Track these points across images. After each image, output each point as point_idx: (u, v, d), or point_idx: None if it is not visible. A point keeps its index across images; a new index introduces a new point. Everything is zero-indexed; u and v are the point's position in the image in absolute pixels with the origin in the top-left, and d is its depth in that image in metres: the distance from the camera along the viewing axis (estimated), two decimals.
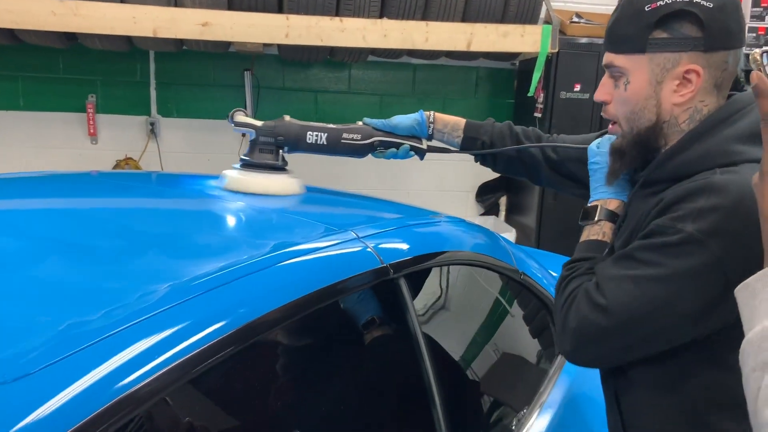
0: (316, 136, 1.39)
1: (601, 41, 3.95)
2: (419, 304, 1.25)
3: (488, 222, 4.30)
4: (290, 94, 3.98)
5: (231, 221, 1.21)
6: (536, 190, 3.82)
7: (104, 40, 3.28)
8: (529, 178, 1.44)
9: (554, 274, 2.33)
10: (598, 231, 1.11)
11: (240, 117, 1.42)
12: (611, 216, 1.11)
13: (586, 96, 3.67)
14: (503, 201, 4.35)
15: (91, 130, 3.74)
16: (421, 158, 1.47)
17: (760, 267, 0.72)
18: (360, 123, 1.44)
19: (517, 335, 1.58)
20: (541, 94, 3.74)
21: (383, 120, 1.42)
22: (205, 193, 1.39)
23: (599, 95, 1.07)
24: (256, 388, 0.98)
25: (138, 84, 3.79)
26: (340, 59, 3.67)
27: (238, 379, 0.93)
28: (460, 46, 3.46)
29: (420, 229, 1.31)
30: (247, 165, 1.41)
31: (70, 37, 3.33)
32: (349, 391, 1.13)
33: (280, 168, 1.42)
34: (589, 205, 1.16)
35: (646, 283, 0.92)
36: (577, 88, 3.67)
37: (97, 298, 0.79)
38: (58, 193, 1.38)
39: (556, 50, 3.55)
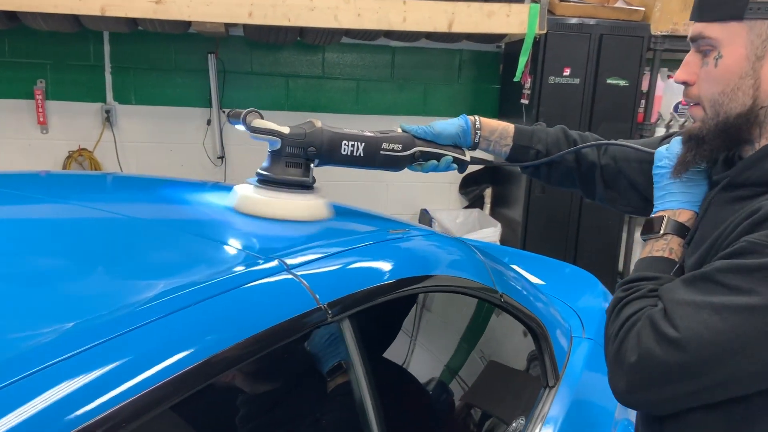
0: (353, 146, 1.15)
1: (592, 21, 3.67)
2: (374, 343, 0.99)
3: (472, 215, 4.06)
4: (259, 79, 3.69)
5: (119, 242, 0.93)
6: (523, 182, 3.58)
7: (49, 19, 2.98)
8: (584, 191, 1.25)
9: (540, 282, 2.10)
10: (663, 246, 0.92)
11: (260, 122, 1.12)
12: (681, 229, 0.93)
13: (576, 81, 3.42)
14: (488, 193, 4.11)
15: (41, 119, 3.43)
16: (462, 172, 1.27)
17: None
18: (399, 130, 1.22)
19: (499, 371, 1.34)
20: (529, 79, 3.48)
21: (424, 127, 1.21)
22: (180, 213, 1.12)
23: (681, 75, 0.88)
24: None
25: (92, 68, 3.49)
26: (312, 41, 3.39)
27: None
28: (441, 27, 3.20)
29: (375, 250, 1.05)
30: (267, 181, 1.12)
31: (11, 17, 3.01)
32: None
33: (309, 186, 1.15)
34: (653, 215, 0.97)
35: (733, 314, 0.74)
36: (567, 72, 3.41)
37: None
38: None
39: (545, 31, 3.30)
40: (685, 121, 3.54)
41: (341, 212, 1.34)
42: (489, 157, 1.36)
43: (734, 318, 0.74)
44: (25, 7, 2.81)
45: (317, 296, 0.84)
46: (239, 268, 0.82)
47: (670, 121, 3.54)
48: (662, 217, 0.94)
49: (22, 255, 0.87)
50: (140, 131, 3.60)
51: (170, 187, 1.53)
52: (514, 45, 3.56)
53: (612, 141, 1.17)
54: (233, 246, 0.91)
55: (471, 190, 4.11)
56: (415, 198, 4.06)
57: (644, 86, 3.46)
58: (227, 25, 3.23)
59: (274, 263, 0.84)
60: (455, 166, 1.24)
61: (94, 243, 0.94)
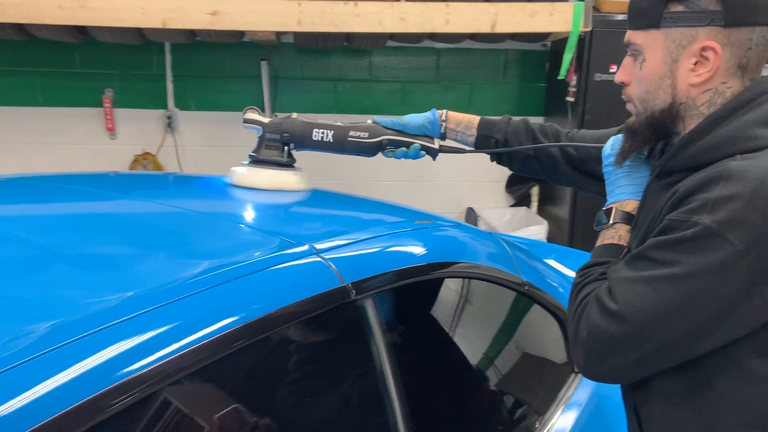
0: (322, 133, 1.38)
1: None
2: (400, 326, 1.08)
3: (519, 213, 4.08)
4: (309, 84, 3.84)
5: (163, 230, 1.06)
6: None
7: (115, 32, 3.21)
8: (547, 177, 1.36)
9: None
10: (613, 234, 1.03)
11: (249, 114, 1.42)
12: (628, 218, 1.03)
13: None
14: (535, 191, 4.12)
15: (109, 125, 3.69)
16: (434, 158, 1.42)
17: None
18: (370, 121, 1.40)
19: (524, 358, 1.40)
20: (574, 77, 3.49)
21: (393, 118, 1.38)
22: (200, 191, 1.33)
23: (619, 76, 0.99)
24: None
25: (154, 77, 3.72)
26: (358, 46, 3.51)
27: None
28: (484, 28, 3.25)
29: (400, 238, 1.14)
30: (254, 161, 1.42)
31: (81, 31, 3.26)
32: None
33: (286, 164, 1.41)
34: (604, 208, 1.07)
35: (661, 284, 0.83)
36: (613, 69, 3.40)
37: None
38: (57, 196, 1.33)
39: (590, 29, 3.30)
40: None
41: (374, 205, 1.44)
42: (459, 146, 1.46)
43: (662, 287, 0.82)
44: (94, 21, 3.04)
45: (342, 276, 0.94)
46: (274, 251, 0.93)
47: None
48: (611, 209, 1.04)
49: (88, 241, 1.01)
50: (199, 135, 3.81)
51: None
52: (560, 43, 3.57)
53: (568, 140, 1.27)
54: (271, 232, 1.03)
55: (517, 188, 4.13)
56: (461, 196, 4.12)
57: None
58: (278, 33, 3.39)
59: (305, 247, 0.95)
60: (423, 153, 1.38)
61: (162, 230, 1.08)
